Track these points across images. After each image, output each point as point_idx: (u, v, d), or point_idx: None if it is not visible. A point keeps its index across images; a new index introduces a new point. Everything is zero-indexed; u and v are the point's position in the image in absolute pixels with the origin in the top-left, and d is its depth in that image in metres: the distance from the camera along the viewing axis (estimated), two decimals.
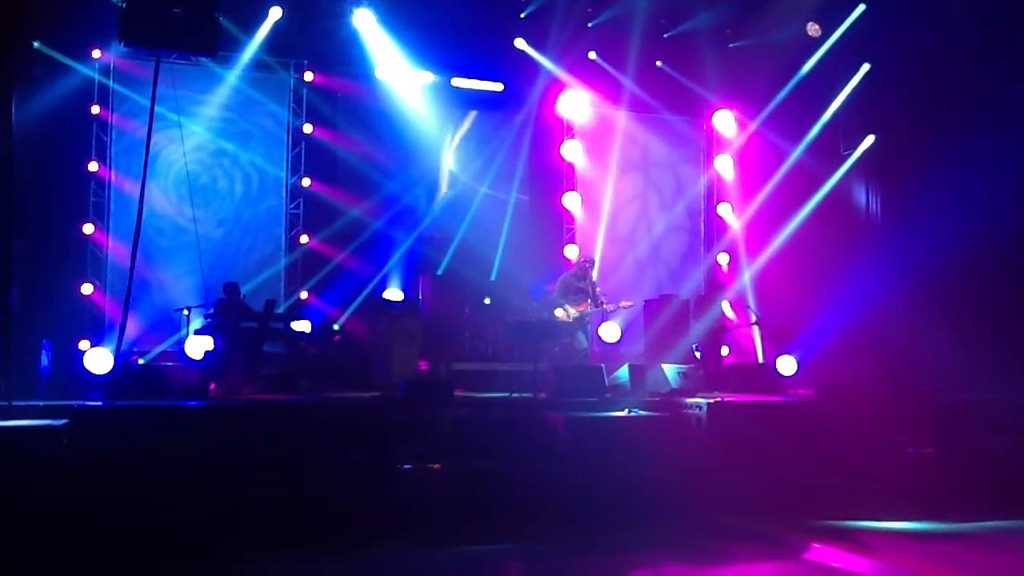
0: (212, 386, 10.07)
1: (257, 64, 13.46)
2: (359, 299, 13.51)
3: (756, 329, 13.33)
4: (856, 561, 6.80)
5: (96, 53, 12.49)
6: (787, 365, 12.83)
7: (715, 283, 13.40)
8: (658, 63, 15.15)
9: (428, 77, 14.43)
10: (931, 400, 9.90)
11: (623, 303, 11.96)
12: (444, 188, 14.83)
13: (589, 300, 11.46)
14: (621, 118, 15.52)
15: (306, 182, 13.87)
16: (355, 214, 14.12)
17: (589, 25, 14.42)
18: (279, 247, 13.77)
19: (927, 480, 8.76)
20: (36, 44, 11.71)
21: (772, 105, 14.66)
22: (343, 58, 13.91)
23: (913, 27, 12.52)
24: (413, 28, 13.71)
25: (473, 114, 15.05)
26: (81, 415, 7.49)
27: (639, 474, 8.06)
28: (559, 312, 11.42)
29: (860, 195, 13.95)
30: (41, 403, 8.23)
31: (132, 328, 10.49)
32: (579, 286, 11.58)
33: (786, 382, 12.06)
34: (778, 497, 8.25)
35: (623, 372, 11.02)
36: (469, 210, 14.87)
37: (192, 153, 12.52)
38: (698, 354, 12.13)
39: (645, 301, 13.33)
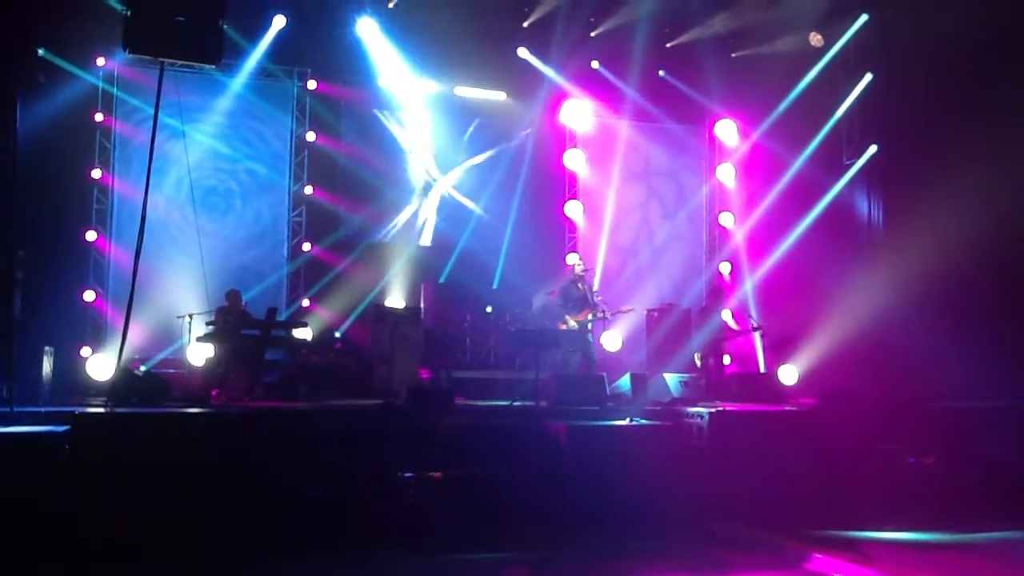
0: (214, 393, 10.08)
1: (261, 72, 13.53)
2: (361, 307, 13.53)
3: (758, 337, 13.31)
4: (857, 571, 6.77)
5: (100, 61, 12.56)
6: (788, 374, 12.83)
7: (717, 292, 13.37)
8: (660, 72, 15.20)
9: (431, 86, 14.48)
10: (932, 409, 9.88)
11: (624, 307, 11.93)
12: (447, 196, 14.86)
13: (589, 308, 11.40)
14: (623, 127, 15.56)
15: (308, 190, 13.91)
16: (357, 222, 14.17)
17: (592, 35, 14.46)
18: (281, 255, 13.80)
19: (928, 489, 8.74)
20: (41, 51, 11.77)
21: (774, 114, 14.66)
22: (346, 67, 13.97)
23: (915, 37, 12.53)
24: (416, 37, 13.77)
25: (475, 122, 15.11)
26: (82, 421, 7.48)
27: (640, 483, 8.03)
28: (562, 324, 11.38)
29: (862, 205, 13.93)
30: (43, 409, 8.23)
31: (134, 335, 10.47)
32: (577, 294, 11.51)
33: (787, 391, 12.04)
34: (779, 506, 8.24)
35: (625, 381, 11.01)
36: (471, 218, 14.91)
37: (195, 160, 12.55)
38: (699, 362, 12.11)
39: (647, 310, 13.33)
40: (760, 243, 14.88)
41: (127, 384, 9.19)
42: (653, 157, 15.99)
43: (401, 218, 14.56)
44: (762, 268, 14.52)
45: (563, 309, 11.40)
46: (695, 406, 9.59)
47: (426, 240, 14.60)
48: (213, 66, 9.34)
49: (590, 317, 11.37)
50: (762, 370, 13.53)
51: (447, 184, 14.90)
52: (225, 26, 8.58)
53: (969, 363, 10.68)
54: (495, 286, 14.50)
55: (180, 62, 9.20)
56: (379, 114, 14.53)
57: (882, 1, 13.41)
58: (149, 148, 8.61)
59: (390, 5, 13.59)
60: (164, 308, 12.08)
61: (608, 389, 10.40)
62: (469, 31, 13.65)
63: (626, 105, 15.26)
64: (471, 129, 15.10)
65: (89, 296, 12.43)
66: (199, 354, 10.98)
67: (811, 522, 8.01)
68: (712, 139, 16.20)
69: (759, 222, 15.04)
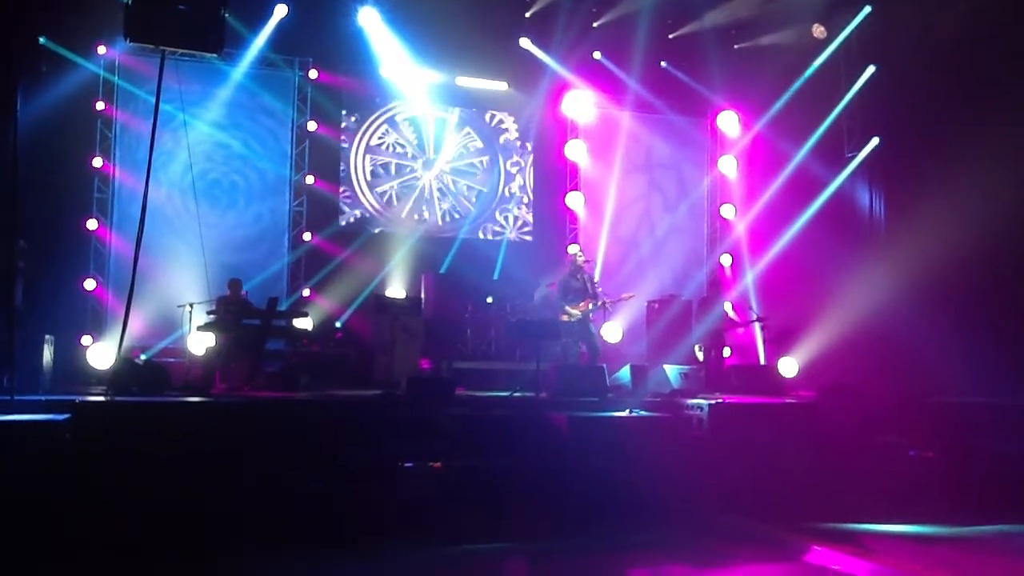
0: (214, 382, 10.08)
1: (262, 61, 13.52)
2: (361, 297, 13.54)
3: (758, 328, 13.30)
4: (856, 564, 6.78)
5: (101, 49, 12.53)
6: (789, 367, 12.82)
7: (718, 284, 13.37)
8: (663, 64, 15.17)
9: (432, 76, 14.45)
10: (933, 403, 9.88)
11: (625, 295, 11.91)
12: (447, 187, 14.85)
13: (588, 298, 11.31)
14: (625, 118, 15.54)
15: (309, 180, 13.90)
16: (358, 212, 14.16)
17: (594, 25, 14.45)
18: (282, 244, 13.79)
19: (928, 483, 8.75)
20: (42, 40, 11.74)
21: (777, 106, 14.63)
22: (348, 56, 13.96)
23: (919, 29, 12.49)
24: (418, 27, 13.74)
25: (477, 112, 15.09)
26: (83, 410, 7.50)
27: (640, 474, 8.05)
28: (563, 316, 11.31)
29: (864, 197, 13.91)
30: (43, 398, 8.22)
31: (134, 324, 10.48)
32: (576, 285, 11.41)
33: (788, 384, 12.04)
34: (779, 499, 8.23)
35: (625, 372, 11.00)
36: (472, 209, 14.90)
37: (196, 149, 12.53)
38: (700, 354, 12.11)
39: (648, 302, 13.32)
40: (761, 235, 14.86)
41: (127, 373, 9.18)
42: (655, 148, 15.97)
43: (401, 208, 14.55)
44: (763, 260, 14.51)
45: (562, 301, 11.33)
46: (695, 398, 9.58)
47: (427, 230, 14.58)
48: (215, 55, 9.34)
49: (590, 307, 11.28)
50: (762, 362, 13.54)
51: (447, 174, 14.87)
52: (226, 15, 8.56)
53: (970, 358, 10.68)
54: (496, 277, 14.50)
55: (181, 51, 9.19)
56: (380, 103, 14.53)
57: None
58: (150, 137, 8.60)
59: None
60: (165, 297, 12.07)
61: (608, 380, 10.39)
62: (471, 21, 13.60)
63: (628, 96, 15.26)
64: (472, 119, 15.08)
65: (90, 285, 12.43)
66: (200, 343, 10.98)
67: (811, 514, 8.01)
68: (714, 131, 16.18)
69: (760, 214, 15.03)
